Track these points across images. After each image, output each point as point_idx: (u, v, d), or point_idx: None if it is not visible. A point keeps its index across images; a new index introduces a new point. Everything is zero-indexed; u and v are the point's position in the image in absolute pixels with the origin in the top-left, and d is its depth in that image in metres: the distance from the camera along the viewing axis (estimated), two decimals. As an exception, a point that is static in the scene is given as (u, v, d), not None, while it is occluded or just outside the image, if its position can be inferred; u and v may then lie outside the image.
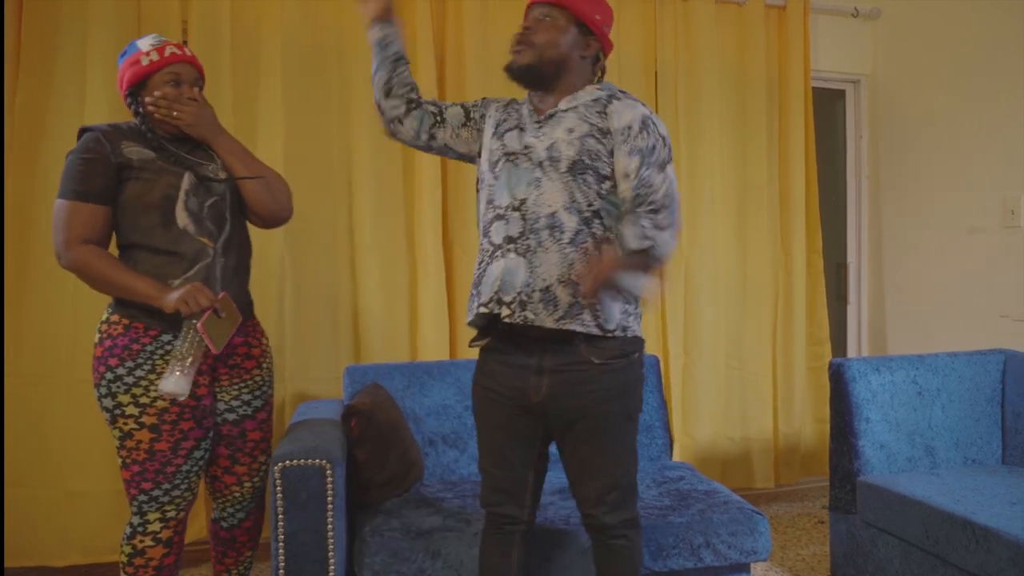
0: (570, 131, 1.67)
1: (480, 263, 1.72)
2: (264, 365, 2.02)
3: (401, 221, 2.97)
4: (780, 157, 3.48)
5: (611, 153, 1.68)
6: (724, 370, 3.34)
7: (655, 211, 1.65)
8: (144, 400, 1.79)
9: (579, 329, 1.61)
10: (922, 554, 2.16)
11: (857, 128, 3.79)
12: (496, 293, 1.64)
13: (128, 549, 1.84)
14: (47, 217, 2.55)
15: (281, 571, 1.78)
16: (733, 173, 3.39)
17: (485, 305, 1.65)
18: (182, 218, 1.82)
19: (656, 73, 3.32)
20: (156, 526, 1.83)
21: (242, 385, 1.97)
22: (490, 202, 1.72)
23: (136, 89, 1.86)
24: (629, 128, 1.67)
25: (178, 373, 1.68)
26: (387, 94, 1.78)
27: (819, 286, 3.50)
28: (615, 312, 1.65)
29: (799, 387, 3.44)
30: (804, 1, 3.46)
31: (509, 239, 1.65)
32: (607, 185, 1.67)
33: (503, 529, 1.76)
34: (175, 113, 1.83)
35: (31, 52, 2.59)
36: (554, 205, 1.64)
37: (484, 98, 1.88)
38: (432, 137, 1.81)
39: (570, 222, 1.63)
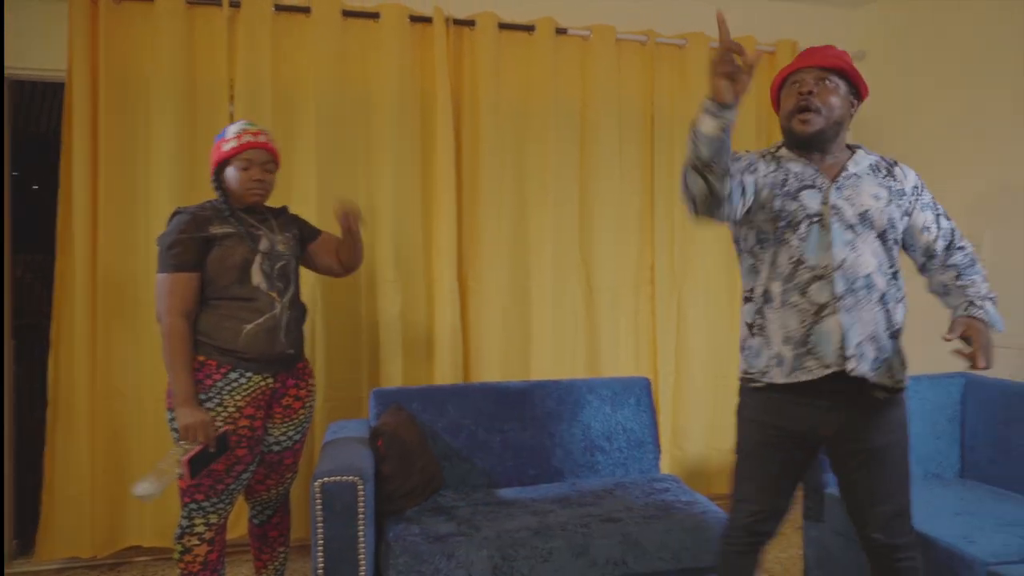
0: (876, 198, 1.79)
1: (796, 321, 1.77)
2: (308, 404, 2.39)
3: (420, 257, 3.29)
4: (769, 191, 3.76)
5: (905, 214, 1.84)
6: (712, 389, 3.63)
7: (963, 248, 1.90)
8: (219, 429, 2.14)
9: (887, 383, 1.79)
10: (877, 559, 2.45)
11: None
12: (840, 350, 1.74)
13: (179, 547, 2.21)
14: (135, 264, 2.99)
15: (320, 571, 2.12)
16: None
17: (829, 365, 1.75)
18: (256, 277, 2.20)
19: (653, 116, 3.60)
20: (200, 528, 2.20)
21: (290, 424, 2.35)
22: (801, 262, 1.78)
23: (219, 169, 2.25)
24: (916, 187, 1.87)
25: (149, 483, 1.97)
26: (721, 177, 1.65)
27: (803, 311, 3.77)
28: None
29: (784, 404, 3.72)
30: (793, 46, 3.73)
31: (835, 297, 1.75)
32: (897, 245, 1.84)
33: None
34: None
35: (110, 118, 2.97)
36: (869, 267, 1.76)
37: (741, 155, 1.86)
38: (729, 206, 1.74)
39: (880, 282, 1.78)
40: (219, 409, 2.15)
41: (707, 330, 3.62)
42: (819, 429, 1.85)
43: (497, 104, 3.35)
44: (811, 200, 1.78)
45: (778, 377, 1.83)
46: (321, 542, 2.12)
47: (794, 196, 1.80)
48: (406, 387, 2.89)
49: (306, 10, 3.14)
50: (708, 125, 1.59)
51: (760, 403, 1.91)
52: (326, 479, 2.13)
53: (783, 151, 1.89)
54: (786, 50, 3.71)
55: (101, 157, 2.95)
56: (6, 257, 3.00)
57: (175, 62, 3.00)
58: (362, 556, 2.15)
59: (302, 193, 3.11)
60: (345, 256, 2.49)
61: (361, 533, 2.15)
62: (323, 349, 3.16)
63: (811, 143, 1.81)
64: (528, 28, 3.39)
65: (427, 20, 3.27)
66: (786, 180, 1.82)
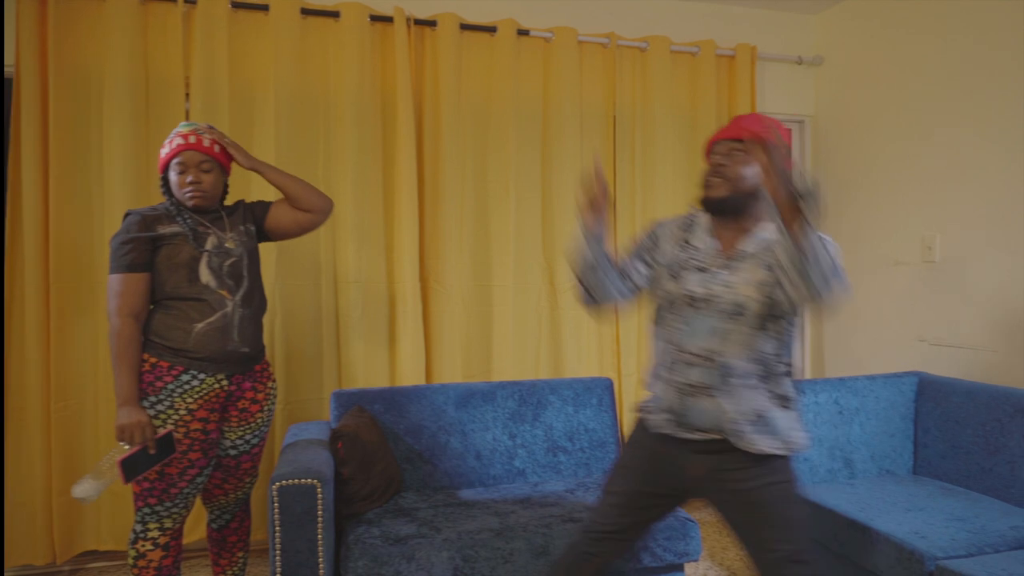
0: (760, 285, 1.76)
1: (676, 398, 1.82)
2: (266, 408, 2.36)
3: (381, 257, 3.26)
4: (729, 193, 3.81)
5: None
6: (675, 388, 3.67)
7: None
8: (161, 430, 2.11)
9: (768, 451, 1.77)
10: (833, 555, 2.49)
11: (802, 164, 4.13)
12: (717, 423, 1.78)
13: (133, 552, 2.18)
14: (90, 264, 2.94)
15: (278, 575, 2.09)
16: (685, 208, 3.69)
17: (707, 431, 1.80)
18: (205, 275, 2.17)
19: (615, 118, 3.63)
20: (155, 533, 2.17)
21: (246, 427, 2.32)
22: (672, 342, 1.84)
23: (164, 174, 2.25)
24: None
25: (88, 484, 2.00)
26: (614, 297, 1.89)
27: (762, 311, 3.83)
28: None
29: (744, 403, 3.77)
30: (752, 50, 3.79)
31: (702, 386, 1.78)
32: (783, 317, 1.79)
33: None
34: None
35: (60, 114, 2.91)
36: (740, 356, 1.76)
37: (653, 230, 1.97)
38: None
39: (752, 368, 1.77)
40: (170, 411, 2.12)
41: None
42: (687, 469, 1.86)
43: (459, 104, 3.34)
44: (694, 283, 1.83)
45: (656, 424, 1.90)
46: (279, 546, 2.09)
47: (677, 276, 1.86)
48: (367, 388, 2.87)
49: (264, 8, 3.10)
50: (577, 245, 1.87)
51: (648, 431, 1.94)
52: (284, 482, 2.10)
53: (701, 217, 1.93)
54: (745, 54, 3.76)
55: (52, 156, 2.88)
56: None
57: (128, 59, 2.93)
58: (321, 560, 2.12)
59: (261, 192, 3.05)
60: (297, 202, 2.38)
61: (320, 536, 2.13)
62: (283, 350, 3.12)
63: (717, 209, 1.85)
64: (490, 29, 3.39)
65: (388, 20, 3.24)
66: (680, 259, 1.88)
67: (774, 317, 1.78)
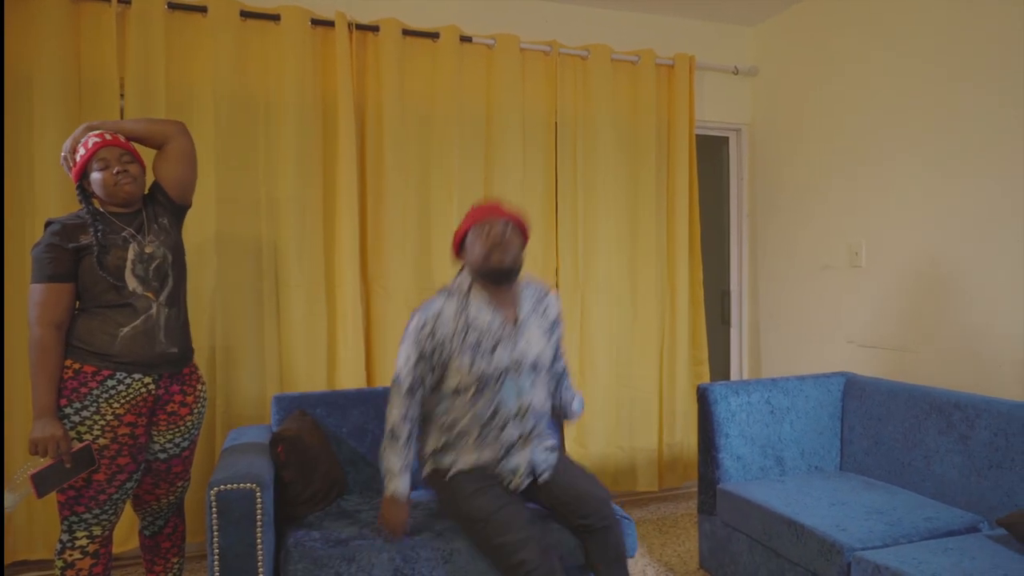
0: (539, 343, 2.27)
1: (490, 455, 2.24)
2: (196, 410, 2.34)
3: (321, 261, 3.26)
4: (667, 198, 3.91)
5: (552, 347, 2.37)
6: (616, 389, 3.74)
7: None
8: (87, 437, 2.10)
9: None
10: (762, 548, 2.59)
11: (739, 171, 4.26)
12: (529, 473, 2.30)
13: (60, 563, 2.14)
14: (21, 272, 2.88)
15: (216, 580, 2.08)
16: (625, 213, 3.79)
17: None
18: (131, 282, 2.15)
19: (556, 124, 3.69)
20: (83, 542, 2.14)
21: (175, 430, 2.29)
22: (498, 409, 2.19)
23: (82, 180, 2.19)
24: (555, 322, 2.41)
25: (6, 495, 2.03)
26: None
27: (700, 314, 3.94)
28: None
29: (681, 402, 3.87)
30: (690, 60, 3.90)
31: (525, 435, 2.25)
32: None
33: None
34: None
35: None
36: (543, 399, 2.29)
37: (428, 333, 2.17)
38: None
39: (548, 406, 2.38)
40: (96, 417, 2.10)
41: (610, 331, 3.74)
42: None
43: (402, 110, 3.36)
44: (504, 355, 2.16)
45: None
46: (217, 551, 2.08)
47: (491, 353, 2.16)
48: (309, 392, 2.86)
49: (202, 9, 3.07)
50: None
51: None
52: (222, 487, 2.09)
53: (474, 292, 2.21)
54: (683, 63, 3.87)
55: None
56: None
57: (59, 58, 2.87)
58: (260, 564, 2.12)
59: (201, 194, 3.01)
60: (154, 140, 2.30)
61: (259, 541, 2.12)
62: (224, 353, 3.10)
63: (506, 278, 2.19)
64: (432, 35, 3.42)
65: (329, 24, 3.25)
66: (480, 340, 2.16)
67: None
